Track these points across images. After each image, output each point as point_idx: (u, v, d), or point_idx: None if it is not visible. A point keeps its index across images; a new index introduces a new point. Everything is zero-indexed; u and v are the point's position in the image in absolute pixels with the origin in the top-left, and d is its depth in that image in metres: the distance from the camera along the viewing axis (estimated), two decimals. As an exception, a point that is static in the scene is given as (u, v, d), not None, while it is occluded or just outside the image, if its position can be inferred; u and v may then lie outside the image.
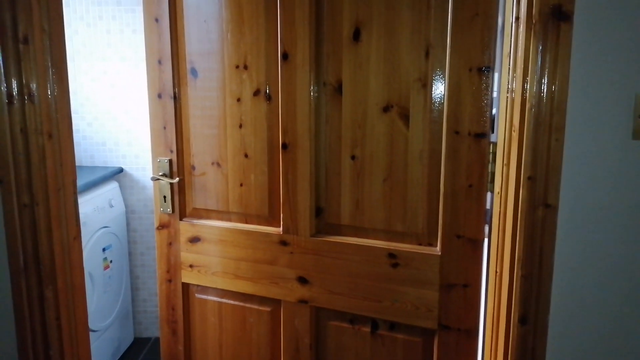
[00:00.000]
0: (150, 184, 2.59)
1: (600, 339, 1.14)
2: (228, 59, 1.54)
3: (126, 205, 2.61)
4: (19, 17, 1.18)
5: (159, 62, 1.62)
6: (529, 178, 1.10)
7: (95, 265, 2.27)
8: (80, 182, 2.17)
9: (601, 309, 1.13)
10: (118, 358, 2.54)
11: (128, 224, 2.62)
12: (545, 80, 1.07)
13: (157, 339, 2.72)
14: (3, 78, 1.20)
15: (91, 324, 2.22)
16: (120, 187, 2.58)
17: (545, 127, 1.08)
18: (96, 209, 2.27)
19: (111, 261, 2.41)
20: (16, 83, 1.20)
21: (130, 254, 2.65)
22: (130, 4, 2.42)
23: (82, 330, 1.43)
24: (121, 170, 2.57)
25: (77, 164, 2.58)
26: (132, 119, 2.53)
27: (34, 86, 1.21)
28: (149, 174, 2.58)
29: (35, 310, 1.33)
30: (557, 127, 1.08)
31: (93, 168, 2.53)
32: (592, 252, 1.11)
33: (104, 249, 2.34)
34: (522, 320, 1.16)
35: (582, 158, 1.09)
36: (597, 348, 1.15)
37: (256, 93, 1.53)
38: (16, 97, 1.21)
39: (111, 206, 2.41)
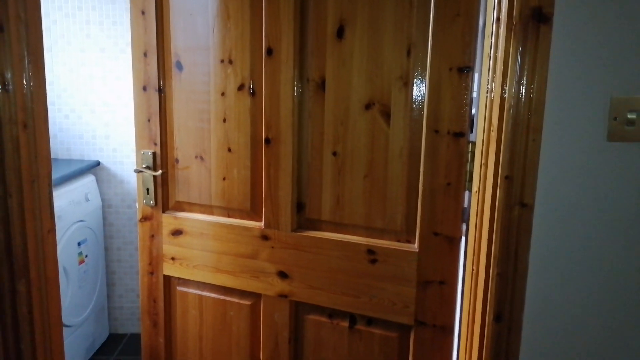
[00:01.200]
0: (127, 178, 2.55)
1: (574, 337, 1.17)
2: (213, 53, 1.54)
3: (103, 200, 2.57)
4: (-7, 4, 1.15)
5: (145, 54, 1.62)
6: (506, 177, 1.12)
7: (70, 259, 2.23)
8: (56, 174, 2.13)
9: (575, 307, 1.16)
10: (93, 354, 2.50)
11: (104, 219, 2.58)
12: (524, 81, 1.08)
13: (132, 335, 2.69)
14: (-24, 66, 1.16)
15: (65, 319, 2.18)
16: (97, 180, 2.54)
17: (523, 127, 1.10)
18: (72, 203, 2.23)
19: (86, 256, 2.37)
20: (-10, 71, 1.17)
21: (106, 249, 2.61)
22: (111, -6, 2.38)
23: (55, 324, 1.40)
24: (98, 163, 2.53)
25: (53, 156, 2.53)
26: (110, 112, 2.49)
27: (8, 75, 1.18)
28: (127, 167, 2.54)
29: (7, 303, 1.30)
30: (535, 127, 1.09)
31: (69, 161, 2.48)
32: (566, 251, 1.14)
33: (79, 244, 2.30)
34: (497, 317, 1.18)
35: (559, 158, 1.11)
36: (571, 346, 1.17)
37: (240, 88, 1.53)
38: (-10, 86, 1.18)
39: (87, 200, 2.37)
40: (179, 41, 1.58)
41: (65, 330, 2.18)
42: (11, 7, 1.16)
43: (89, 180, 2.42)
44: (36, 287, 1.32)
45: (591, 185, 1.10)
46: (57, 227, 1.42)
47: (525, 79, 1.08)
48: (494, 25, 1.12)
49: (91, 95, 2.48)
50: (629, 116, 1.07)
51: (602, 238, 1.12)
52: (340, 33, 1.38)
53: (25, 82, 1.21)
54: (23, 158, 1.23)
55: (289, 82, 1.45)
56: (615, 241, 1.11)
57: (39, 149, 1.27)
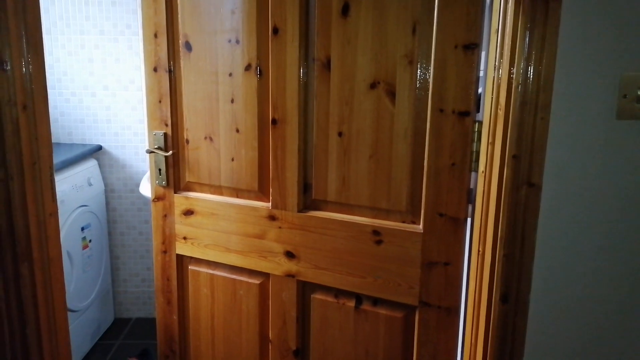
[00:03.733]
0: (129, 162, 2.54)
1: (580, 317, 1.16)
2: (221, 33, 1.53)
3: (105, 184, 2.56)
4: (-11, -18, 1.12)
5: (155, 35, 1.62)
6: (514, 157, 1.10)
7: (74, 244, 2.23)
8: (58, 159, 2.12)
9: (582, 288, 1.15)
10: (98, 338, 2.52)
11: (107, 203, 2.58)
12: (532, 58, 1.06)
13: (138, 319, 2.71)
14: (-26, 46, 1.14)
15: (71, 304, 2.19)
16: (99, 165, 2.53)
17: (531, 105, 1.08)
18: (74, 187, 2.23)
19: (90, 241, 2.37)
20: (-12, 51, 1.15)
21: (109, 233, 2.61)
22: (109, -25, 2.35)
23: (59, 308, 1.40)
24: (100, 147, 2.52)
25: (54, 141, 2.52)
26: (111, 95, 2.47)
27: (6, 55, 1.16)
28: (129, 152, 2.53)
29: (11, 287, 1.30)
30: (543, 105, 1.07)
31: (71, 145, 2.47)
32: (574, 231, 1.12)
33: (82, 228, 2.30)
34: (504, 298, 1.17)
35: (567, 137, 1.09)
36: (577, 327, 1.17)
37: (247, 68, 1.52)
38: (-12, 67, 1.16)
39: (90, 184, 2.36)
40: (188, 22, 1.58)
41: (70, 315, 2.19)
42: (7, -15, 1.14)
43: (91, 165, 2.41)
44: (39, 271, 1.32)
45: (600, 164, 1.09)
46: (60, 212, 1.41)
47: (533, 56, 1.06)
48: (502, 0, 1.09)
49: (91, 79, 2.46)
50: (639, 93, 1.05)
51: (610, 217, 1.10)
52: (345, 11, 1.35)
53: (24, 63, 1.19)
54: (23, 140, 1.22)
55: (295, 62, 1.43)
56: (624, 220, 1.10)
57: (39, 130, 1.26)
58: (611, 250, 1.12)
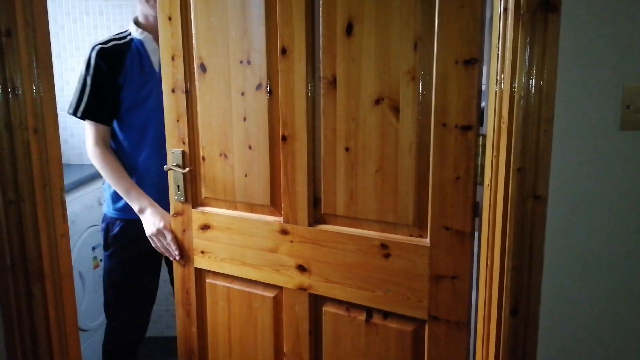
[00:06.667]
0: (139, 181, 2.56)
1: (591, 329, 1.15)
2: (233, 54, 1.58)
3: (115, 203, 2.58)
4: (0, 10, 1.16)
5: (172, 58, 1.68)
6: (519, 169, 1.11)
7: (85, 264, 2.25)
8: (68, 180, 2.15)
9: (592, 299, 1.14)
10: (109, 357, 2.52)
11: (118, 222, 2.59)
12: (533, 72, 1.07)
13: (148, 338, 2.70)
14: (-14, 72, 1.18)
15: (82, 324, 2.20)
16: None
17: (534, 118, 1.08)
18: (85, 207, 2.26)
19: (101, 260, 2.39)
20: (-1, 77, 1.18)
21: (120, 252, 2.62)
22: (118, -1, 2.40)
23: (71, 328, 1.41)
24: (110, 167, 2.54)
25: (65, 162, 2.54)
26: (121, 116, 2.50)
27: (18, 80, 1.19)
28: (139, 171, 2.55)
29: (23, 308, 1.31)
30: (546, 118, 1.08)
31: (81, 166, 2.51)
32: (581, 242, 1.12)
33: (93, 248, 2.32)
34: (513, 311, 1.16)
35: (571, 149, 1.09)
36: (588, 338, 1.16)
37: (258, 87, 1.56)
38: None
39: (100, 204, 2.39)
40: (202, 44, 1.63)
41: (82, 334, 2.20)
42: (18, 12, 1.17)
43: (101, 185, 2.44)
44: (51, 292, 1.33)
45: (605, 174, 1.09)
46: (71, 232, 1.43)
47: (534, 69, 1.07)
48: (502, 15, 1.10)
49: (101, 100, 2.49)
50: (642, 103, 1.05)
51: (617, 228, 1.10)
52: (349, 30, 1.38)
53: (34, 87, 1.23)
54: (34, 162, 1.25)
55: (302, 80, 1.47)
56: (632, 231, 1.10)
57: (50, 153, 1.29)
58: (620, 260, 1.11)
